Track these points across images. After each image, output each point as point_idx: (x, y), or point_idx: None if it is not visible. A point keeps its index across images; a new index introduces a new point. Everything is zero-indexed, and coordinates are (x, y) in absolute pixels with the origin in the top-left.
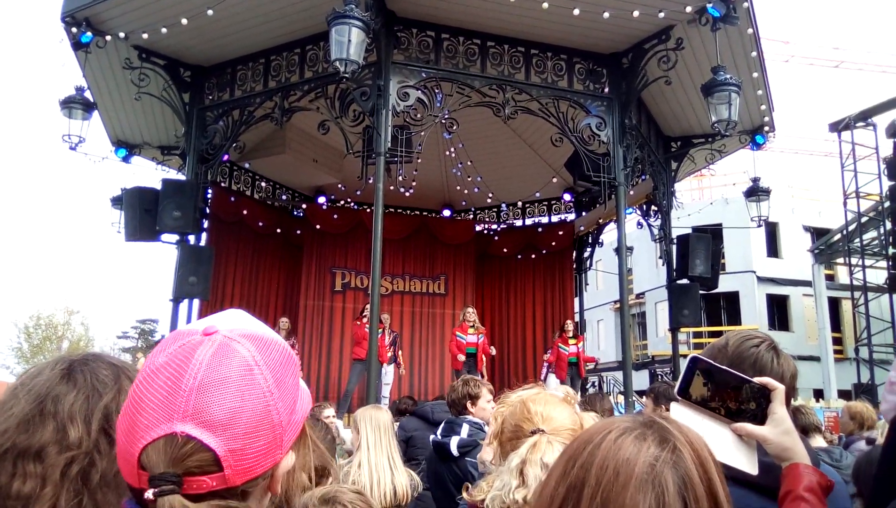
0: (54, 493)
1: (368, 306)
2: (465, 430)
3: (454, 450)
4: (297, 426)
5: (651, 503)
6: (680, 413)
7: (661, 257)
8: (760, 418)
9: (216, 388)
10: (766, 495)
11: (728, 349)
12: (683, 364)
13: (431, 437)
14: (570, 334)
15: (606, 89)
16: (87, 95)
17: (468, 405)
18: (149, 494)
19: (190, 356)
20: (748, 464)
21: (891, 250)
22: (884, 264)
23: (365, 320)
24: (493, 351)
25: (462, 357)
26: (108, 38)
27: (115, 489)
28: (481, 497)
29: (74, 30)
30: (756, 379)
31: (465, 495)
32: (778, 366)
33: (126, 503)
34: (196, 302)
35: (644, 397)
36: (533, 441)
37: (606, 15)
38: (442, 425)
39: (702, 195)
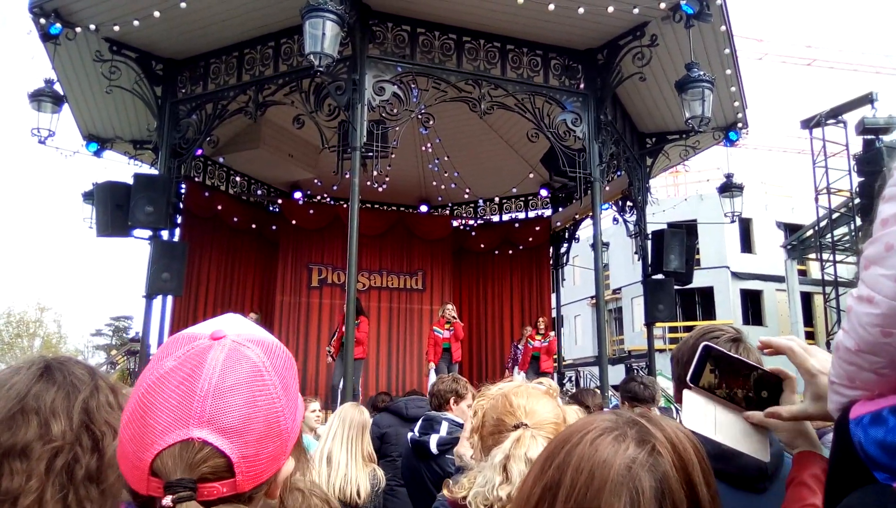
0: (39, 485)
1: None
2: (444, 428)
3: (434, 448)
4: (298, 430)
5: (626, 506)
6: (692, 401)
7: (636, 253)
8: (773, 406)
9: (230, 393)
10: (726, 482)
11: (690, 340)
12: (696, 353)
13: (409, 434)
14: (540, 330)
15: (582, 85)
16: (57, 87)
17: (451, 400)
18: (167, 501)
19: (202, 361)
20: (760, 451)
21: (860, 246)
22: (854, 259)
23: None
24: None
25: (444, 343)
26: (79, 29)
27: (98, 484)
28: (463, 494)
29: (43, 21)
30: (769, 368)
31: (445, 492)
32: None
33: (125, 505)
34: (169, 299)
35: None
36: (517, 436)
37: (581, 11)
38: (419, 422)
39: (676, 191)
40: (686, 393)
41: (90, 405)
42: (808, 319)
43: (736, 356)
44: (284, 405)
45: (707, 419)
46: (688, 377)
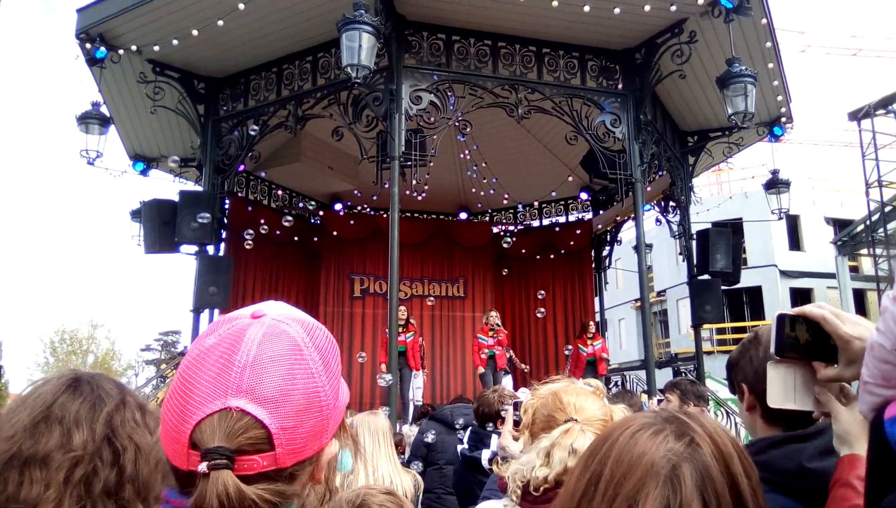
0: (57, 495)
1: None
2: (494, 442)
3: (486, 464)
4: (341, 412)
5: (668, 496)
6: (774, 375)
7: (681, 254)
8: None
9: (268, 365)
10: (785, 493)
11: (760, 337)
12: (773, 325)
13: (460, 448)
14: (591, 334)
15: (620, 86)
16: (104, 109)
17: (498, 423)
18: (202, 467)
19: (242, 336)
20: None
21: None
22: None
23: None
24: (525, 367)
25: (485, 355)
26: (122, 52)
27: (116, 500)
28: (506, 472)
29: (89, 46)
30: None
31: (494, 467)
32: None
33: (166, 492)
34: (216, 312)
35: (666, 392)
36: (566, 427)
37: (617, 10)
38: (468, 435)
39: (720, 190)
40: (769, 368)
41: (114, 420)
42: (862, 316)
43: (813, 315)
44: (325, 382)
45: (787, 391)
46: (772, 350)
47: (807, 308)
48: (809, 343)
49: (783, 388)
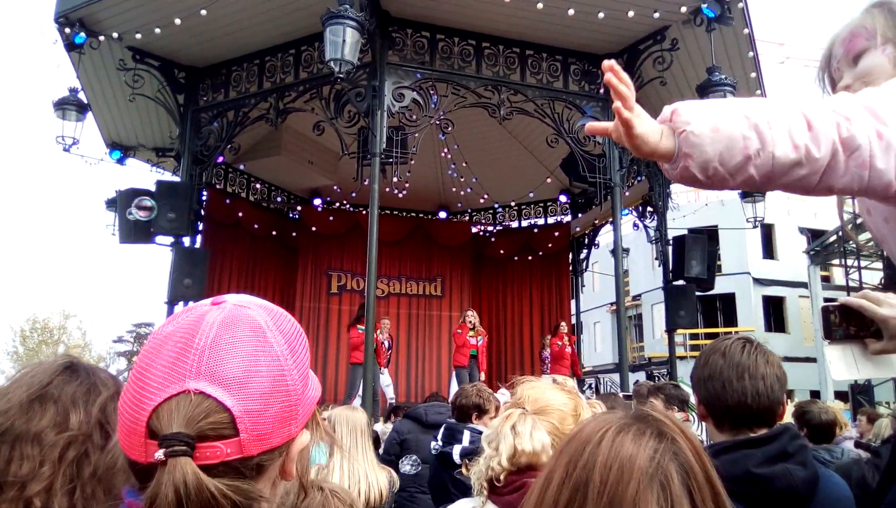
0: (52, 472)
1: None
2: (466, 438)
3: (457, 459)
4: (311, 403)
5: (659, 496)
6: (832, 353)
7: (657, 259)
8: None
9: (230, 346)
10: (734, 498)
11: (706, 347)
12: (819, 312)
13: (433, 445)
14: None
15: (602, 90)
16: (81, 96)
17: (473, 416)
18: (159, 454)
19: (200, 320)
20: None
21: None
22: (879, 264)
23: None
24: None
25: (472, 350)
26: (102, 38)
27: (104, 485)
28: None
29: (68, 31)
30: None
31: (463, 470)
32: (747, 356)
33: (126, 491)
34: (191, 305)
35: (649, 397)
36: (506, 414)
37: (601, 15)
38: (441, 431)
39: (697, 197)
40: (826, 349)
41: (108, 408)
42: None
43: (852, 304)
44: (291, 366)
45: (850, 365)
46: (822, 336)
47: (846, 300)
48: (850, 326)
49: (845, 363)
